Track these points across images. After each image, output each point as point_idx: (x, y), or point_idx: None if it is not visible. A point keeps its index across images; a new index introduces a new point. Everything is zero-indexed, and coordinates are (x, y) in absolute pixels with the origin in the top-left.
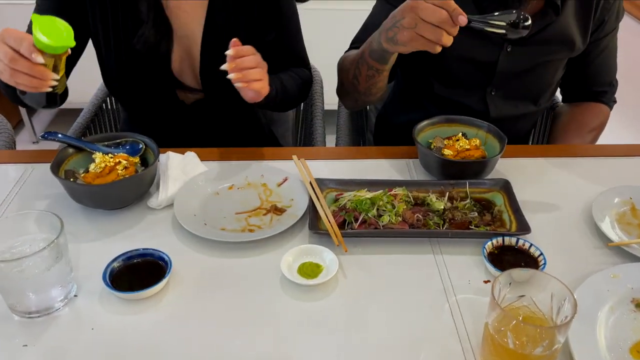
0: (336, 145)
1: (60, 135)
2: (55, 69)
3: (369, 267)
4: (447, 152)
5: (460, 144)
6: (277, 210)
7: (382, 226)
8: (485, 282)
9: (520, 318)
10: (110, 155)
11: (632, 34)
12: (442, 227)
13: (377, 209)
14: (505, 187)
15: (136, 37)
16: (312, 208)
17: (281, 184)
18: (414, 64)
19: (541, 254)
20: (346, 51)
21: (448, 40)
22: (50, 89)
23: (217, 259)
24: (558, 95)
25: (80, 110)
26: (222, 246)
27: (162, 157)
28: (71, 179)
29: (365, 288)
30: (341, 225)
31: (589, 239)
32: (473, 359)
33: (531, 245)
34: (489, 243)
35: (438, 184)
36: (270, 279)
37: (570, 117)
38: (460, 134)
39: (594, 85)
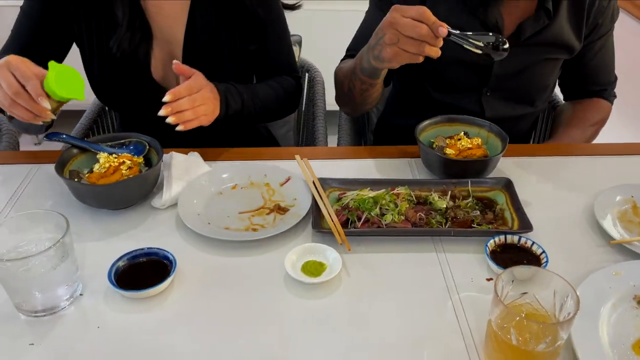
0: (338, 145)
1: (64, 136)
2: (54, 110)
3: (372, 266)
4: (449, 151)
5: (462, 143)
6: (281, 210)
7: (385, 225)
8: (488, 279)
9: (523, 315)
10: (114, 155)
11: (632, 34)
12: (445, 226)
13: (380, 208)
14: (507, 186)
15: (112, 41)
16: (315, 207)
17: (284, 183)
18: (409, 70)
19: (543, 251)
20: (342, 59)
21: (433, 52)
22: (41, 123)
23: (221, 258)
24: (559, 94)
25: (83, 111)
26: (226, 245)
27: (166, 157)
28: (75, 179)
29: (369, 286)
30: (344, 224)
31: (591, 237)
32: (476, 356)
33: (533, 243)
34: (492, 241)
35: (440, 183)
36: (274, 278)
37: (571, 112)
38: (462, 133)
39: (593, 85)
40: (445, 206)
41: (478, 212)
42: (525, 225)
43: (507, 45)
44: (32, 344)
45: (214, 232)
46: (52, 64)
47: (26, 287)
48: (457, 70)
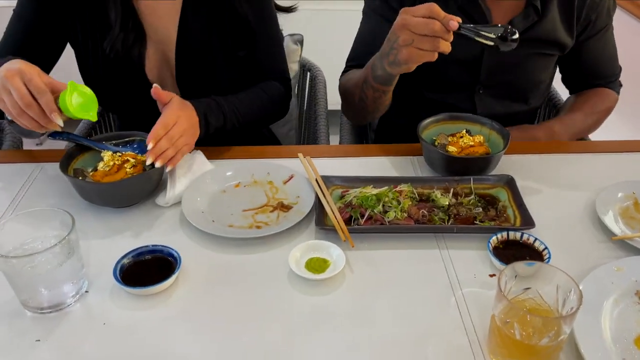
0: (340, 144)
1: (68, 135)
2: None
3: (375, 262)
4: (451, 148)
5: (465, 141)
6: (284, 207)
7: (388, 222)
8: (491, 275)
9: (526, 309)
10: (118, 153)
11: (632, 33)
12: (447, 223)
13: (383, 205)
14: (509, 183)
15: (105, 43)
16: (318, 205)
17: (287, 181)
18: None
19: (545, 247)
20: (343, 71)
21: (446, 47)
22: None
23: (225, 255)
24: (559, 94)
25: None
26: (230, 242)
27: None
28: (80, 178)
29: (372, 283)
30: (347, 222)
31: (593, 233)
32: (480, 351)
33: (535, 239)
34: (494, 238)
35: (442, 180)
36: (278, 275)
37: (575, 100)
38: (464, 130)
39: (597, 79)
40: (447, 203)
41: (480, 209)
42: (528, 222)
43: (516, 36)
44: (39, 340)
45: (218, 229)
46: (71, 83)
47: (32, 284)
48: (449, 68)
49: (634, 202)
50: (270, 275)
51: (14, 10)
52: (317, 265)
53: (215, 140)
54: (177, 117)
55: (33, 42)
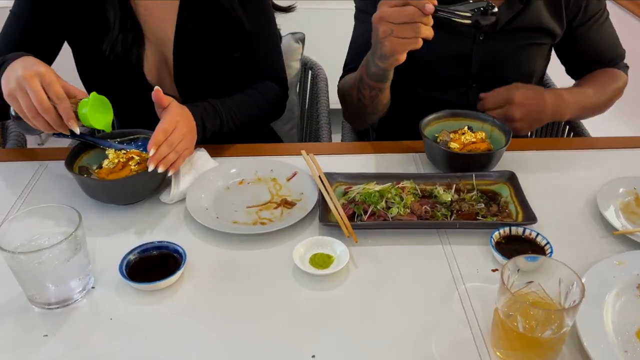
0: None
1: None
2: None
3: (378, 258)
4: (453, 145)
5: (466, 137)
6: (288, 204)
7: (391, 218)
8: (494, 270)
9: (529, 302)
10: (123, 151)
11: (632, 33)
12: (450, 219)
13: (386, 202)
14: (511, 179)
15: (104, 44)
16: (321, 201)
17: (290, 178)
18: (396, 70)
19: (547, 242)
20: (341, 77)
21: (428, 32)
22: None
23: (230, 251)
24: (556, 85)
25: None
26: (235, 239)
27: None
28: (85, 175)
29: (376, 278)
30: (350, 218)
31: (594, 228)
32: (483, 345)
33: (538, 234)
34: (497, 233)
35: (445, 177)
36: (283, 270)
37: (584, 78)
38: (466, 127)
39: (601, 64)
40: (450, 199)
41: (483, 205)
42: (530, 217)
43: (495, 10)
44: (46, 335)
45: (223, 225)
46: (94, 95)
47: (39, 280)
48: (442, 65)
49: (635, 197)
50: (275, 270)
51: (10, 10)
52: (321, 260)
53: (216, 139)
54: (176, 122)
55: (30, 42)
